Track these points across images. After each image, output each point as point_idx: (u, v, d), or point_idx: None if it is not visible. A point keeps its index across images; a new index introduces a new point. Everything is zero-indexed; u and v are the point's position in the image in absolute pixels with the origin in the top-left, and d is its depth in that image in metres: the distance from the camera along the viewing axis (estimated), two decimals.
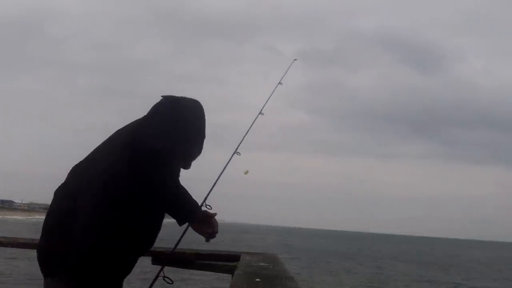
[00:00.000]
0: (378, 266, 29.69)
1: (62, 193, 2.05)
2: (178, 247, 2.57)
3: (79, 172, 2.05)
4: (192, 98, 2.17)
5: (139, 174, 1.93)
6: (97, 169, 1.98)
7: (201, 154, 2.16)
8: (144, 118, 2.10)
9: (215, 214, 2.13)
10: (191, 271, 2.83)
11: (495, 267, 37.23)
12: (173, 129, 2.00)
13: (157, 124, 2.01)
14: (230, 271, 2.41)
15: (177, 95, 2.17)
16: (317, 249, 45.79)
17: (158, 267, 2.48)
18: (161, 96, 2.15)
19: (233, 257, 2.61)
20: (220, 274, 2.72)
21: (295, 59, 3.24)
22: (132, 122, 2.17)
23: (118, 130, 2.16)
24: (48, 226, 2.04)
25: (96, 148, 2.13)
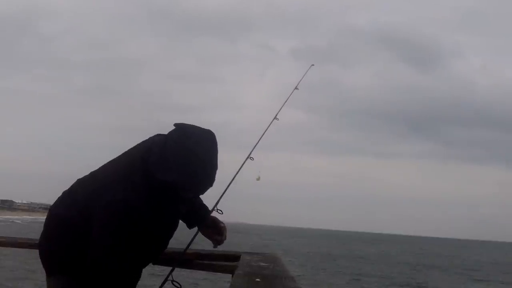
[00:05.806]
0: (377, 267, 29.68)
1: (69, 201, 2.08)
2: (178, 247, 2.58)
3: (89, 190, 2.04)
4: (205, 129, 2.06)
5: (155, 193, 1.95)
6: (109, 191, 1.97)
7: (212, 186, 2.06)
8: (155, 144, 2.01)
9: (225, 226, 2.18)
10: (191, 271, 2.82)
11: (493, 267, 37.20)
12: (184, 160, 1.94)
13: (170, 155, 1.94)
14: (230, 271, 2.41)
15: (189, 124, 2.07)
16: (315, 249, 45.77)
17: (157, 267, 2.48)
18: (174, 125, 2.05)
19: (233, 257, 2.61)
20: (220, 274, 2.72)
21: (312, 65, 3.12)
22: (140, 145, 2.12)
23: (127, 153, 2.13)
24: (53, 229, 2.10)
25: (104, 167, 2.11)
